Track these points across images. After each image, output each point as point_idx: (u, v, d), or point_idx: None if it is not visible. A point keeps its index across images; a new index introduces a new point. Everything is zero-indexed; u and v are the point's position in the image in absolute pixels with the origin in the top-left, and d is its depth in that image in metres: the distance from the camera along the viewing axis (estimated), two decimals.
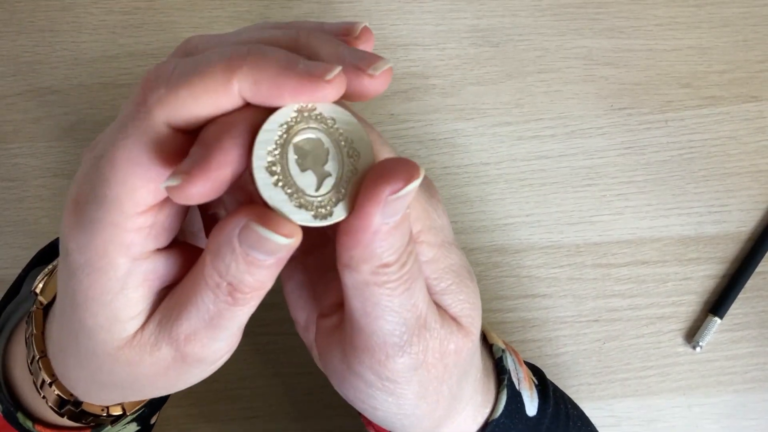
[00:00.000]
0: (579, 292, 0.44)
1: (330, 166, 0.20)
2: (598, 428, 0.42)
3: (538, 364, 0.36)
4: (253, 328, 0.43)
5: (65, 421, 0.27)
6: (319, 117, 0.20)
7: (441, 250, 0.22)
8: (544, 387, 0.32)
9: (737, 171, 0.45)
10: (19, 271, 0.43)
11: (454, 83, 0.45)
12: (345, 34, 0.21)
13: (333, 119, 0.20)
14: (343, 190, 0.20)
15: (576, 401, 0.42)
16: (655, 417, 0.43)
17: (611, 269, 0.44)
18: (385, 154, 0.21)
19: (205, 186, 0.18)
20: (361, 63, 0.19)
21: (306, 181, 0.19)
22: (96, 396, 0.25)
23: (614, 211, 0.45)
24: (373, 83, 0.19)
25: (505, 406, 0.28)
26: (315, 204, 0.19)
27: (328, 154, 0.20)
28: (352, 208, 0.19)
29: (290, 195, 0.19)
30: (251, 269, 0.19)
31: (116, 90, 0.44)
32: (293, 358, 0.43)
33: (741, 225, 0.45)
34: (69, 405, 0.26)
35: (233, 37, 0.21)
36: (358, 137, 0.20)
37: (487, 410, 0.28)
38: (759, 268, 0.44)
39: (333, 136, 0.20)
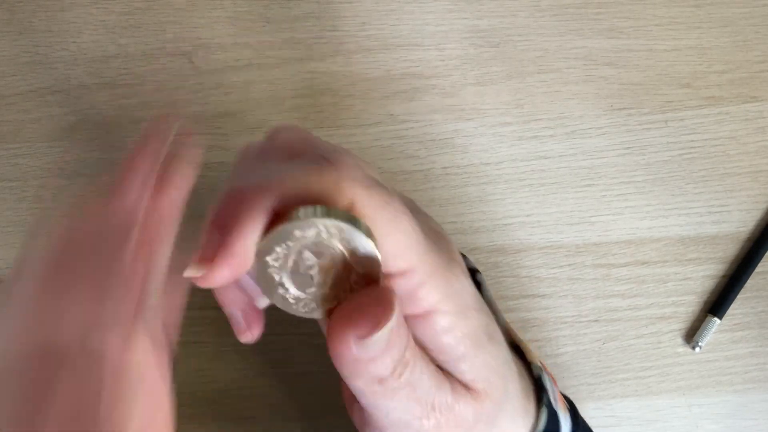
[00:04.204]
0: (579, 292, 0.44)
1: (320, 281, 0.20)
2: (598, 428, 0.42)
3: None
4: None
5: None
6: (336, 235, 0.19)
7: (457, 318, 0.22)
8: (574, 409, 0.33)
9: (737, 171, 0.45)
10: None
11: (454, 83, 0.45)
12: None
13: (348, 241, 0.19)
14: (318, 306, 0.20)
15: (576, 401, 0.42)
16: (655, 417, 0.43)
17: (611, 269, 0.44)
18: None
19: (228, 273, 0.18)
20: None
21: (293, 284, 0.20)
22: None
23: (614, 211, 0.45)
24: None
25: (545, 425, 0.27)
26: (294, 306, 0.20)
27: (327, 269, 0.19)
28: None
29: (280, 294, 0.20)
30: None
31: (116, 90, 0.45)
32: (293, 358, 0.43)
33: (741, 225, 0.45)
34: None
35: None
36: (369, 262, 0.19)
37: (527, 430, 0.27)
38: (759, 268, 0.44)
39: (338, 257, 0.19)
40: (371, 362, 0.19)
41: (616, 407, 0.43)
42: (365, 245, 0.19)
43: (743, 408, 0.43)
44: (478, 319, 0.23)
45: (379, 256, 0.19)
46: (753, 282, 0.44)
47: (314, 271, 0.19)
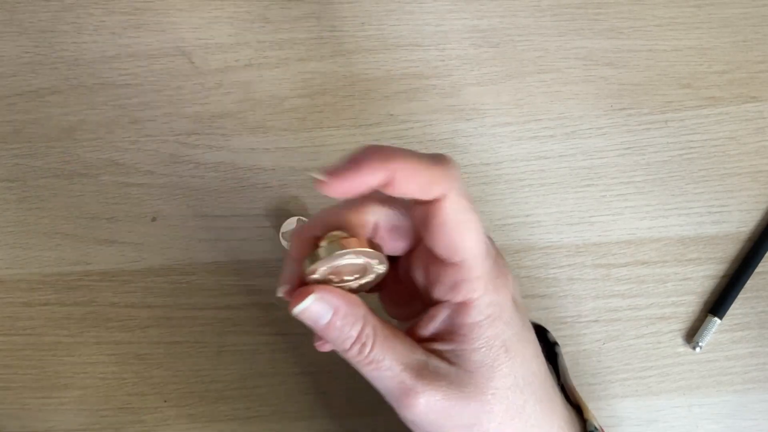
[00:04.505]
0: (579, 292, 0.44)
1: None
2: None
3: None
4: (253, 328, 0.43)
5: None
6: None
7: (487, 319, 0.26)
8: None
9: (737, 171, 0.45)
10: (20, 271, 0.43)
11: (454, 83, 0.45)
12: None
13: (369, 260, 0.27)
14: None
15: None
16: (655, 417, 0.43)
17: (611, 269, 0.44)
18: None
19: (341, 188, 0.24)
20: None
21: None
22: None
23: (614, 211, 0.45)
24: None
25: None
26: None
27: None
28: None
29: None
30: None
31: (117, 90, 0.45)
32: (293, 358, 0.43)
33: (741, 225, 0.45)
34: None
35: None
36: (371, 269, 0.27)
37: None
38: (759, 268, 0.44)
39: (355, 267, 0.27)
40: (325, 334, 0.26)
41: (616, 407, 0.43)
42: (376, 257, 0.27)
43: (743, 408, 0.43)
44: (501, 330, 0.26)
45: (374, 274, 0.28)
46: (753, 282, 0.44)
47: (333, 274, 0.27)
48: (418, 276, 0.28)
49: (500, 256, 0.28)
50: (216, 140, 0.44)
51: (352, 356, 0.26)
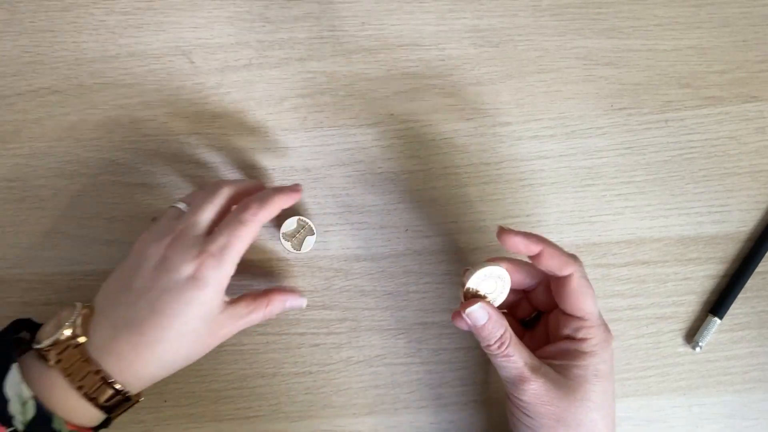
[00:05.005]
0: None
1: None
2: None
3: None
4: (254, 328, 0.43)
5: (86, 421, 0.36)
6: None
7: (597, 362, 0.37)
8: None
9: (737, 171, 0.45)
10: (20, 271, 0.43)
11: (454, 83, 0.45)
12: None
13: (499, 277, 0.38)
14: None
15: None
16: (655, 417, 0.43)
17: (611, 269, 0.44)
18: None
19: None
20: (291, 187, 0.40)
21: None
22: (143, 380, 0.36)
23: (614, 211, 0.45)
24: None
25: None
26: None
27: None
28: None
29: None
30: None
31: (117, 90, 0.45)
32: (293, 358, 0.43)
33: (741, 225, 0.45)
34: (118, 396, 0.36)
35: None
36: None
37: None
38: (759, 268, 0.44)
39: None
40: (479, 332, 0.37)
41: (617, 407, 0.43)
42: (504, 278, 0.38)
43: (743, 408, 0.43)
44: (598, 363, 0.37)
45: (506, 289, 0.38)
46: (753, 282, 0.44)
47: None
48: (552, 324, 0.39)
49: (606, 326, 0.39)
50: (216, 140, 0.44)
51: (493, 350, 0.37)
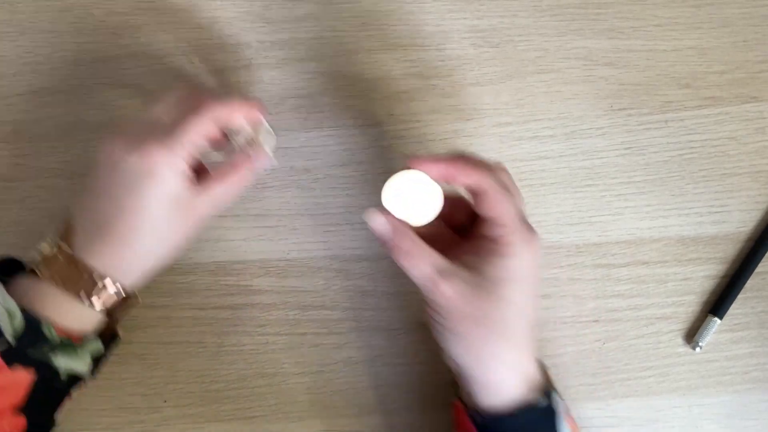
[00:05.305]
0: (579, 292, 0.44)
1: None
2: (598, 428, 0.42)
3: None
4: (254, 328, 0.43)
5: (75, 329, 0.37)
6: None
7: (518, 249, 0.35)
8: None
9: (737, 171, 0.45)
10: None
11: (454, 84, 0.45)
12: None
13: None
14: None
15: (576, 401, 0.43)
16: (655, 417, 0.43)
17: (611, 269, 0.44)
18: None
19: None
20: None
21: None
22: (132, 274, 0.37)
23: (614, 211, 0.45)
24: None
25: (546, 404, 0.36)
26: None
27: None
28: None
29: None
30: None
31: (117, 91, 0.45)
32: (293, 358, 0.43)
33: (741, 225, 0.45)
34: (113, 293, 0.37)
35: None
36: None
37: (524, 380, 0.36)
38: (759, 268, 0.44)
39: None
40: (379, 239, 0.36)
41: (617, 407, 0.43)
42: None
43: (743, 408, 0.43)
44: (515, 264, 0.35)
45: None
46: (753, 282, 0.44)
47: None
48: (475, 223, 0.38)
49: (531, 227, 0.37)
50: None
51: (396, 257, 0.36)
